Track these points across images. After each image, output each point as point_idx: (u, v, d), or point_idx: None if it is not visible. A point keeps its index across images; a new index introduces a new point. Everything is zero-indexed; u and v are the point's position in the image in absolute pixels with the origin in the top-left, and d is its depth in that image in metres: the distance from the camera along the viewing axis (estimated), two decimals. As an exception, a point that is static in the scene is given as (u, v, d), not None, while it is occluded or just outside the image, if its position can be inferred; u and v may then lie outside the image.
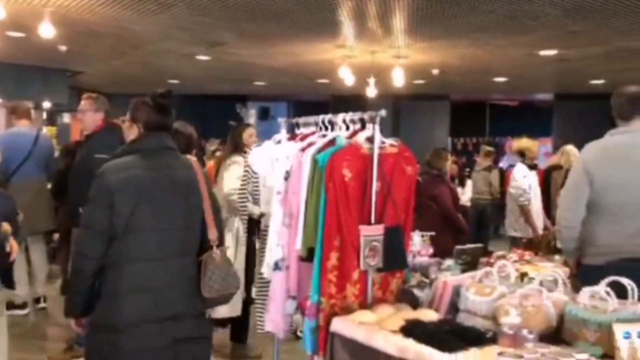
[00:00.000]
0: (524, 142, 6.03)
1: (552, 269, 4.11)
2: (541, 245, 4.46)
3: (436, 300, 2.62)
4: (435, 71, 9.57)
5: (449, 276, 2.72)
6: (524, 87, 11.91)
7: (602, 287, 2.33)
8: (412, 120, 13.61)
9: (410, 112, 13.87)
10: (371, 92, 9.01)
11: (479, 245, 3.53)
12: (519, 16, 6.06)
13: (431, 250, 3.17)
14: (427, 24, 6.53)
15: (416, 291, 2.68)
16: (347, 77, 8.38)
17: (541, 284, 2.58)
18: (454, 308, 2.59)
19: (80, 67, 9.96)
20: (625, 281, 2.31)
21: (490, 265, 3.71)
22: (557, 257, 4.36)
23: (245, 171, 4.25)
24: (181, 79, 11.11)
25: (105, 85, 11.43)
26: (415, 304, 2.63)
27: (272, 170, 2.84)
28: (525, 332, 2.24)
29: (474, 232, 8.14)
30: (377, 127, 2.67)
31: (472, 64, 9.00)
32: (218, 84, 12.13)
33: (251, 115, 14.55)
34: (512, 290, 2.54)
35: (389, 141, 2.75)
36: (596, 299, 2.33)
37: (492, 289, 2.53)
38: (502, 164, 15.67)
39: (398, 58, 8.11)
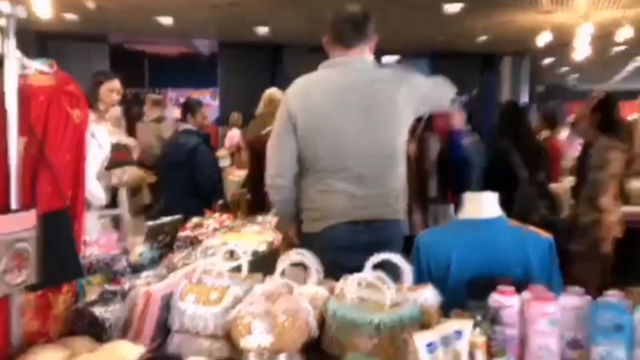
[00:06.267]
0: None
1: (261, 236, 3.45)
2: (240, 204, 3.78)
3: (135, 322, 1.64)
4: (91, 4, 8.04)
5: (152, 280, 1.76)
6: (189, 31, 11.13)
7: (368, 273, 1.70)
8: (64, 66, 11.55)
9: (61, 54, 11.78)
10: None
11: (177, 217, 2.64)
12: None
13: (115, 236, 2.14)
14: None
15: (98, 310, 1.66)
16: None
17: (283, 273, 1.83)
18: (162, 330, 1.67)
19: None
20: (397, 259, 1.73)
21: (192, 242, 2.86)
22: (260, 217, 3.75)
23: None
24: None
25: None
26: (99, 332, 1.62)
27: None
28: (283, 358, 1.48)
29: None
30: (12, 42, 1.51)
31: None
32: None
33: None
34: (246, 288, 1.74)
35: (38, 65, 1.61)
36: (363, 287, 1.70)
37: (221, 292, 1.68)
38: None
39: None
